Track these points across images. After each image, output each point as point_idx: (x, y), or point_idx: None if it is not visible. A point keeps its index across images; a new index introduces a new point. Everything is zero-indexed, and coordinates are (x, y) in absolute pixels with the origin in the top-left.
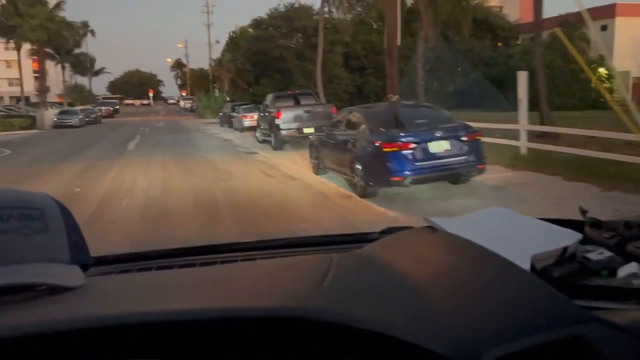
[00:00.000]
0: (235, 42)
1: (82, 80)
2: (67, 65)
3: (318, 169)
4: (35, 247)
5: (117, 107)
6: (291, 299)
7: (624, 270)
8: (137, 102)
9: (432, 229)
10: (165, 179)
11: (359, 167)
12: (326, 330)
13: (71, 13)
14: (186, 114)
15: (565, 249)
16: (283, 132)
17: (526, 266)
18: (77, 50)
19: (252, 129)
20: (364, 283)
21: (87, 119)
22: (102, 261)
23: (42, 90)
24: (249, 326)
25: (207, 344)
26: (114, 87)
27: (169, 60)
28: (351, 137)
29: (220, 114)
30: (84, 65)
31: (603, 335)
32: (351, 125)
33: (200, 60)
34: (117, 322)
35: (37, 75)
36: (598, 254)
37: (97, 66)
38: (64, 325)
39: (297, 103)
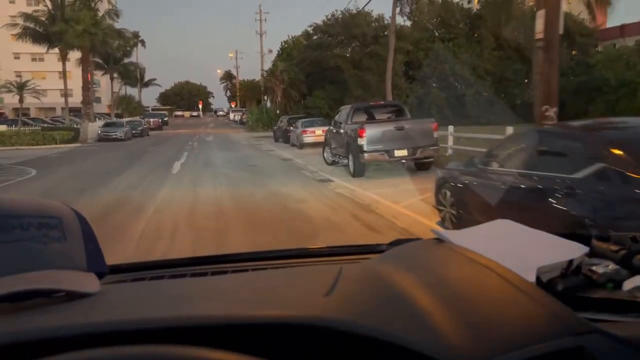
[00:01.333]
0: (288, 51)
1: (132, 91)
2: (115, 75)
3: (457, 222)
4: (54, 255)
5: (167, 118)
6: (300, 307)
7: (630, 283)
8: (187, 113)
9: (439, 240)
10: (219, 231)
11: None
12: (333, 338)
13: (123, 24)
14: (236, 127)
15: (571, 262)
16: (367, 155)
17: (532, 278)
18: (126, 60)
19: (313, 145)
20: (370, 293)
21: (133, 132)
22: (116, 269)
23: (87, 101)
24: (258, 333)
25: (217, 350)
26: (164, 98)
27: (219, 71)
28: (557, 183)
29: (275, 127)
30: (133, 76)
31: (603, 347)
32: (551, 160)
33: (250, 71)
34: (131, 327)
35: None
36: (604, 267)
37: (148, 77)
38: (80, 329)
39: (384, 117)
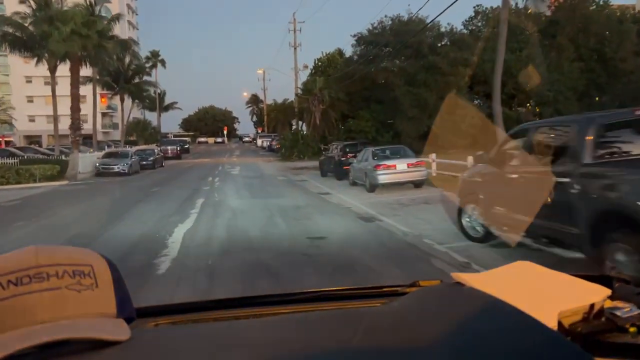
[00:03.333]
0: (322, 70)
1: (153, 116)
2: (128, 97)
3: None
4: (86, 302)
5: (187, 145)
6: (324, 355)
7: None
8: (211, 139)
9: (459, 284)
10: None
11: None
12: None
13: (146, 46)
14: (265, 155)
15: (592, 306)
16: None
17: (553, 322)
18: (138, 79)
19: (392, 188)
20: (391, 339)
21: (143, 163)
22: (143, 313)
23: (76, 125)
24: None
25: None
26: (186, 124)
27: (245, 94)
28: None
29: (322, 158)
30: (151, 98)
31: None
32: None
33: (280, 94)
34: None
35: (103, 111)
36: (626, 311)
37: (169, 101)
38: None
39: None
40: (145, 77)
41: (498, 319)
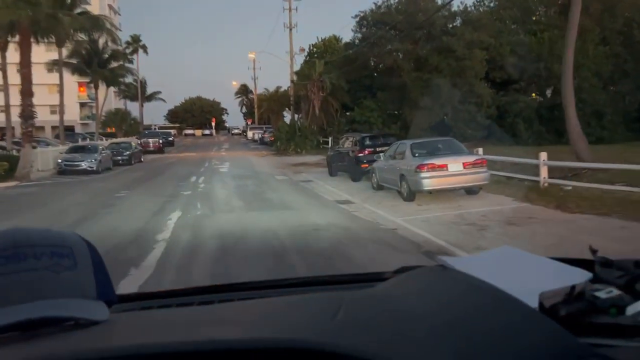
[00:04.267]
0: (317, 56)
1: (135, 107)
2: (104, 84)
3: None
4: (65, 283)
5: (172, 138)
6: (307, 332)
7: (633, 309)
8: (198, 132)
9: (443, 267)
10: None
11: None
12: None
13: (128, 33)
14: (256, 148)
15: (573, 287)
16: None
17: (534, 304)
18: (115, 64)
19: (441, 196)
20: (374, 318)
21: (118, 158)
22: (125, 298)
23: (28, 114)
24: (266, 357)
25: None
26: (172, 115)
27: (234, 83)
28: None
29: (331, 153)
30: (128, 86)
31: None
32: None
33: (271, 83)
34: (140, 352)
35: (82, 101)
36: (607, 293)
37: (153, 91)
38: (89, 355)
39: None
40: (128, 65)
41: (480, 299)
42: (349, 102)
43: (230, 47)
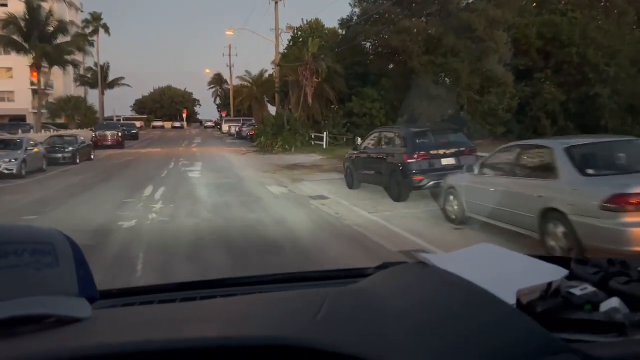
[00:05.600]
0: (302, 41)
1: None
2: (59, 68)
3: None
4: (47, 281)
5: (136, 131)
6: (289, 329)
7: (606, 305)
8: (168, 124)
9: (423, 264)
10: None
11: None
12: (319, 358)
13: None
14: (234, 143)
15: (550, 284)
16: None
17: (512, 300)
18: (62, 39)
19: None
20: (355, 315)
21: (57, 156)
22: (107, 295)
23: None
24: (249, 354)
25: None
26: (140, 105)
27: (207, 71)
28: None
29: (350, 156)
30: (87, 69)
31: None
32: None
33: (252, 68)
34: (122, 350)
35: (35, 88)
36: (582, 290)
37: (116, 77)
38: (71, 353)
39: None
40: (85, 46)
41: (459, 295)
42: (345, 91)
43: (206, 34)
